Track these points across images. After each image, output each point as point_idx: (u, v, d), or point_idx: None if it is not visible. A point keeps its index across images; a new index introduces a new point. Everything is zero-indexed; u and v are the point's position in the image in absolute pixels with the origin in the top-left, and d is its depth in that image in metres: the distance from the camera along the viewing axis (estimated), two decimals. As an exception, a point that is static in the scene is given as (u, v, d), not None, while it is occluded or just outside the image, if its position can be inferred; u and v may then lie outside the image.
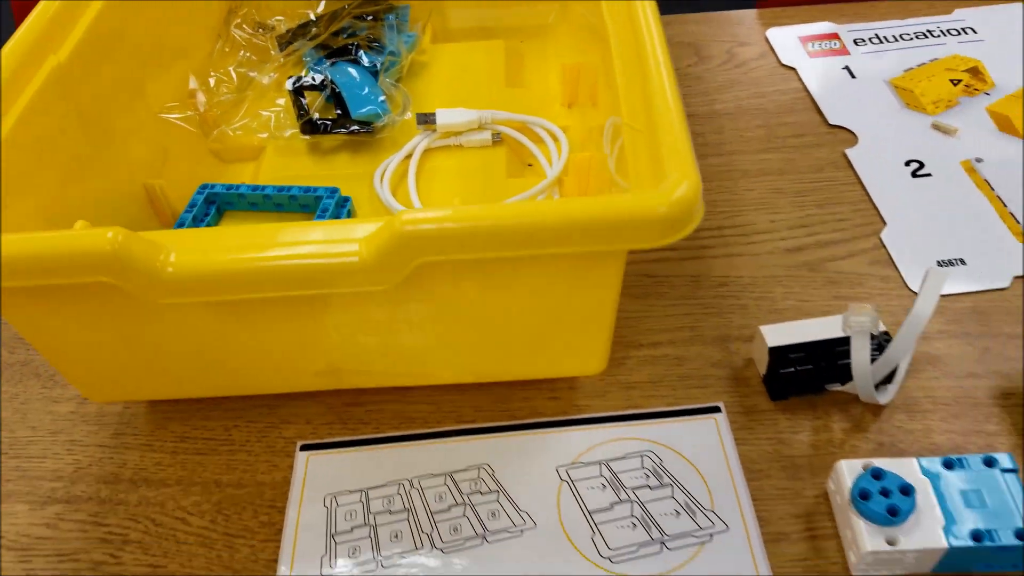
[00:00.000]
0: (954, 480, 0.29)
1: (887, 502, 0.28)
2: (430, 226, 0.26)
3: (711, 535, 0.31)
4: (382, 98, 0.47)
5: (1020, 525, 0.28)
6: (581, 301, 0.31)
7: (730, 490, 0.32)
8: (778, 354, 0.34)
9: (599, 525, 0.32)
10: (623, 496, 0.32)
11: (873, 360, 0.33)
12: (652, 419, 0.35)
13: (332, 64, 0.50)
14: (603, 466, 0.34)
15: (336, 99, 0.48)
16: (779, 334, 0.35)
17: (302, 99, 0.48)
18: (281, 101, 0.50)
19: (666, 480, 0.33)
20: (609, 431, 0.35)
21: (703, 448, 0.34)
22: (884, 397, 0.34)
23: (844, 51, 0.56)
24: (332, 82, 0.48)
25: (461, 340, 0.33)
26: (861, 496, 0.29)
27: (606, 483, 0.33)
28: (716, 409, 0.35)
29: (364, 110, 0.47)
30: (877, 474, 0.29)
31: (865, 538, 0.28)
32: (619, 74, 0.33)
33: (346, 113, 0.47)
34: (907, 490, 0.29)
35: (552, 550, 0.31)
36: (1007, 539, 0.28)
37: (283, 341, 0.33)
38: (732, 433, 0.34)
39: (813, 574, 0.30)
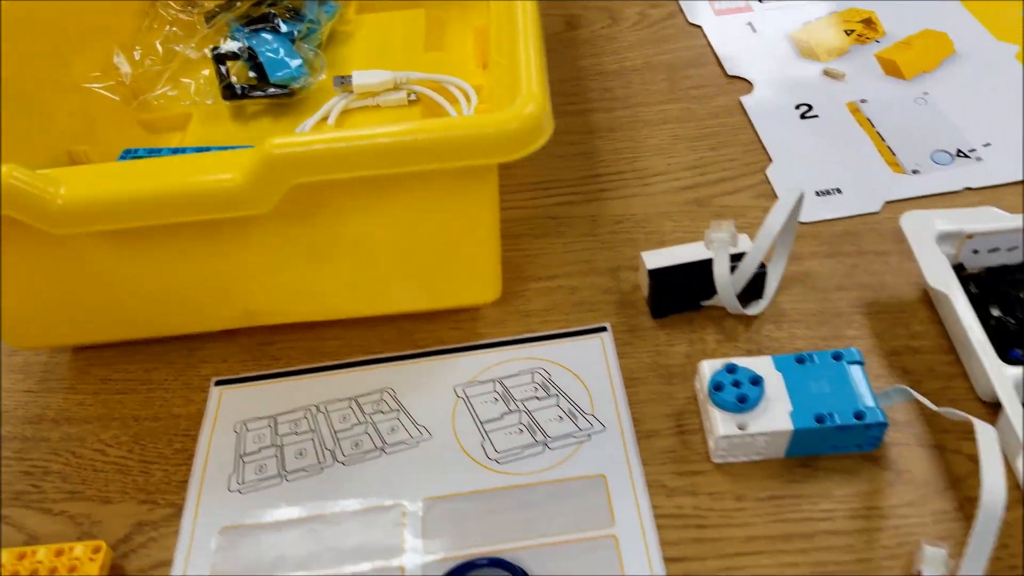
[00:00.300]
0: (804, 372, 0.32)
1: (737, 392, 0.31)
2: (298, 149, 0.28)
3: (589, 435, 0.33)
4: (298, 62, 0.49)
5: (859, 407, 0.31)
6: (462, 223, 0.33)
7: (610, 397, 0.35)
8: (657, 276, 0.37)
9: (489, 433, 0.34)
10: (512, 407, 0.35)
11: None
12: (544, 341, 0.38)
13: (251, 32, 0.51)
14: (496, 383, 0.36)
15: (255, 65, 0.50)
16: (658, 258, 0.37)
17: (222, 67, 0.50)
18: (207, 72, 0.52)
19: (552, 391, 0.35)
20: (504, 353, 0.37)
21: (588, 363, 0.36)
22: (754, 310, 0.37)
23: (748, 8, 0.59)
24: (250, 48, 0.50)
25: (358, 271, 0.36)
26: (716, 388, 0.31)
27: (498, 397, 0.35)
28: (603, 329, 0.38)
29: (281, 73, 0.49)
30: (731, 369, 0.32)
31: (719, 424, 0.31)
32: (494, 23, 0.36)
33: (264, 78, 0.49)
34: (756, 380, 0.31)
35: (444, 456, 0.33)
36: (847, 419, 0.31)
37: (190, 279, 0.35)
38: (616, 348, 0.37)
39: (679, 462, 0.32)
